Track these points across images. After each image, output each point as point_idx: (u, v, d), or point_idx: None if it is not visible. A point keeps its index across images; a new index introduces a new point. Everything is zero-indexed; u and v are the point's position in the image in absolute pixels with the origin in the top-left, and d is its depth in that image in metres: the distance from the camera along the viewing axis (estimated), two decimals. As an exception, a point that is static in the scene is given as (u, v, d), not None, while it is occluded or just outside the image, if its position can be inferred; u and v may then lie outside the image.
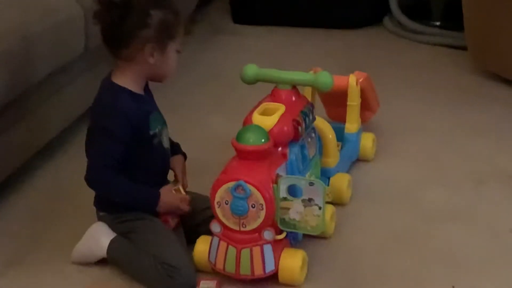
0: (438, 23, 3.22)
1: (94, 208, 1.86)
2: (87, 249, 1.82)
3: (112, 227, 1.82)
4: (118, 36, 1.74)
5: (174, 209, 1.82)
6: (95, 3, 1.73)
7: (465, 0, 2.71)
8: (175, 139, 1.94)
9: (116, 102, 1.75)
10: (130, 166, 1.78)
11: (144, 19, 1.72)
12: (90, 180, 1.76)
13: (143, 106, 1.79)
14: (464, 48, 2.89)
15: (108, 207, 1.83)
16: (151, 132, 1.79)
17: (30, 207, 2.10)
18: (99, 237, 1.81)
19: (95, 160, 1.75)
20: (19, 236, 1.97)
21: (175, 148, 1.95)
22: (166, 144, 1.86)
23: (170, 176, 1.91)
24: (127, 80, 1.77)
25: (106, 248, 1.79)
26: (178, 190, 1.84)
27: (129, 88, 1.77)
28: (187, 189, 1.88)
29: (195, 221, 1.86)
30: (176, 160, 1.92)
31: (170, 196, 1.82)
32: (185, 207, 1.83)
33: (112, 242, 1.80)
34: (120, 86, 1.77)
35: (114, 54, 1.77)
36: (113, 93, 1.77)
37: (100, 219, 1.85)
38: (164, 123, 1.85)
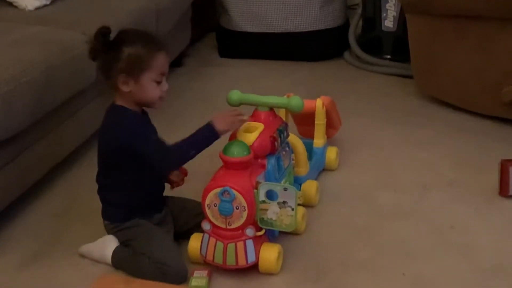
0: (389, 56, 3.23)
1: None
2: (94, 253, 1.81)
3: (114, 234, 1.81)
4: (103, 68, 1.73)
5: (232, 124, 1.76)
6: (92, 39, 1.70)
7: (411, 37, 2.73)
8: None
9: (126, 120, 1.73)
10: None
11: (117, 54, 1.69)
12: (169, 166, 1.76)
13: (144, 122, 1.78)
14: (410, 77, 2.91)
15: (110, 217, 1.82)
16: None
17: (51, 210, 2.08)
18: (105, 249, 1.79)
19: (156, 154, 1.71)
20: (41, 235, 1.96)
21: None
22: None
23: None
24: (125, 104, 1.75)
25: (110, 258, 1.78)
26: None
27: (130, 109, 1.75)
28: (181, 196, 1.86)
29: (188, 225, 1.85)
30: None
31: (221, 115, 1.75)
32: (241, 118, 1.77)
33: (114, 252, 1.78)
34: (123, 107, 1.74)
35: (106, 84, 1.75)
36: (120, 113, 1.74)
37: (104, 226, 1.83)
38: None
